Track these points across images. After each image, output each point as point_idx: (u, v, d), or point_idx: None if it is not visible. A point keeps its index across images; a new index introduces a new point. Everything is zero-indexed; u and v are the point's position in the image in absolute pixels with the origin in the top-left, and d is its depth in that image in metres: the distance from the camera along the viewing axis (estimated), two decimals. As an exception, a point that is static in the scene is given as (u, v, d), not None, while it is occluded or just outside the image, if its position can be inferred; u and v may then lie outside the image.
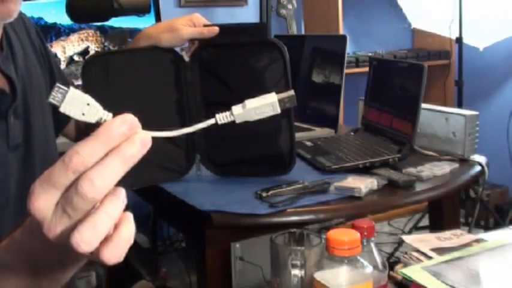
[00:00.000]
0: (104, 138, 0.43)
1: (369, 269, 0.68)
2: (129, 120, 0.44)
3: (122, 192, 0.45)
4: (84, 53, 2.14)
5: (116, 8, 1.23)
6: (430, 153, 1.46)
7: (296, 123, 1.35)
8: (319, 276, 0.68)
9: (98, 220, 0.43)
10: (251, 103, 0.58)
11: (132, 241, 0.45)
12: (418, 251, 0.90)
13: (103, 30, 2.17)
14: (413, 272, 0.81)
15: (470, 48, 3.06)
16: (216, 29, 1.22)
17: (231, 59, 1.28)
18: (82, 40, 2.14)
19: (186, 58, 1.28)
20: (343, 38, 1.76)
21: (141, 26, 2.04)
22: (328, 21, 3.03)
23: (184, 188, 1.26)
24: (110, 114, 0.48)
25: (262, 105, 0.59)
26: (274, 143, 1.26)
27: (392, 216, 3.15)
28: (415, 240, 0.93)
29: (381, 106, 1.58)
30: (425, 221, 2.77)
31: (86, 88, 1.14)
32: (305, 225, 1.19)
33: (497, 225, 2.86)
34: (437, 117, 1.50)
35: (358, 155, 1.37)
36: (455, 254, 0.86)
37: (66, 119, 1.07)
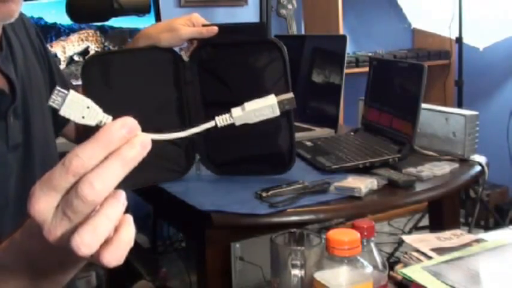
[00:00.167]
0: (104, 141, 0.43)
1: (369, 269, 0.68)
2: (128, 123, 0.44)
3: (122, 195, 0.45)
4: (84, 53, 2.13)
5: (116, 8, 1.24)
6: (430, 153, 1.46)
7: (296, 123, 1.35)
8: (319, 276, 0.68)
9: (98, 223, 0.43)
10: (250, 105, 0.58)
11: (132, 244, 0.45)
12: (418, 251, 0.90)
13: (103, 30, 2.17)
14: (413, 272, 0.81)
15: (470, 48, 3.06)
16: (215, 29, 1.22)
17: (230, 59, 1.28)
18: (82, 40, 2.14)
19: (185, 58, 1.28)
20: (343, 38, 1.76)
21: (141, 26, 2.04)
22: (328, 21, 3.02)
23: (184, 188, 1.26)
24: (110, 117, 0.48)
25: (262, 108, 0.59)
26: (274, 141, 1.26)
27: (392, 216, 3.15)
28: (415, 240, 0.93)
29: (380, 106, 1.58)
30: (425, 221, 2.77)
31: (85, 88, 1.14)
32: (305, 225, 1.19)
33: (497, 225, 2.85)
34: (437, 117, 1.50)
35: (358, 155, 1.37)
36: (455, 254, 0.86)
37: (66, 119, 1.07)
